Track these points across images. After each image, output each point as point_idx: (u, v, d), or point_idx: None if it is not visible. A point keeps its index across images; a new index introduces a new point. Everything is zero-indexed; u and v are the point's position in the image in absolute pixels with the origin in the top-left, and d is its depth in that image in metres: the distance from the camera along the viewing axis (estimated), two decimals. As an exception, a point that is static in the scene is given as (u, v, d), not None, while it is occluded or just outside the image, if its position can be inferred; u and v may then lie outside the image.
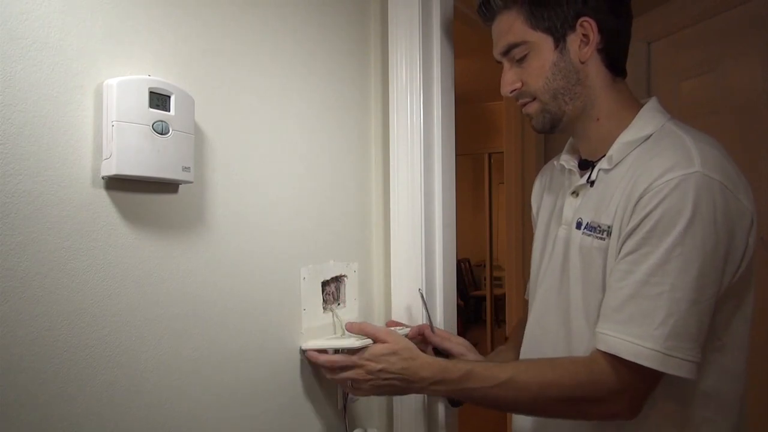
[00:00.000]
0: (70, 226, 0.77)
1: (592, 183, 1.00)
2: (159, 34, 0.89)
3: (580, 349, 0.97)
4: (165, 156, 0.84)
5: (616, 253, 0.91)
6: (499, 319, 5.69)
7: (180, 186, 0.91)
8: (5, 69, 0.70)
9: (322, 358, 1.06)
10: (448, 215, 1.36)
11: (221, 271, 0.98)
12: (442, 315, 1.33)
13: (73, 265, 0.77)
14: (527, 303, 1.19)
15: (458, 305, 1.50)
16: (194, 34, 0.94)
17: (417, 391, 1.03)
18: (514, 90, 1.03)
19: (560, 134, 1.08)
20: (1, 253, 0.69)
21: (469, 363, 1.00)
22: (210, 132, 0.97)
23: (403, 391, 1.03)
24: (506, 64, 1.04)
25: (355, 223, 1.31)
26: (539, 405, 0.94)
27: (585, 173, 1.04)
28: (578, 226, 1.00)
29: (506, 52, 1.02)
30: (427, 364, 0.99)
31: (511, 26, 1.00)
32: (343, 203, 1.28)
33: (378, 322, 1.37)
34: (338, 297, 1.25)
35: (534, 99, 1.02)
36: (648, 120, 0.98)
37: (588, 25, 0.97)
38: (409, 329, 1.24)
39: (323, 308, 1.20)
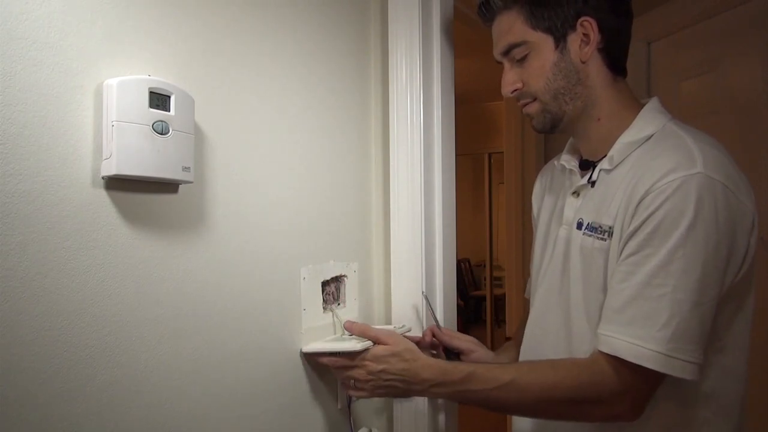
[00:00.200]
0: (70, 226, 0.77)
1: (593, 183, 1.00)
2: (159, 34, 0.89)
3: (581, 349, 0.97)
4: (165, 156, 0.84)
5: (617, 254, 0.91)
6: (499, 319, 5.69)
7: (180, 186, 0.91)
8: (5, 69, 0.70)
9: (325, 358, 1.06)
10: (448, 215, 1.36)
11: (221, 271, 0.98)
12: (442, 315, 1.33)
13: (73, 265, 0.77)
14: (528, 302, 1.19)
15: (458, 305, 1.50)
16: (194, 34, 0.94)
17: (418, 394, 1.02)
18: (515, 90, 1.03)
19: (561, 134, 1.08)
20: (1, 253, 0.69)
21: (471, 365, 1.00)
22: (210, 132, 0.97)
23: (404, 393, 1.02)
24: (506, 65, 1.04)
25: (355, 223, 1.31)
26: (541, 407, 0.94)
27: (586, 173, 1.04)
28: (579, 226, 1.00)
29: (506, 53, 1.02)
30: (428, 365, 0.98)
31: (511, 26, 1.00)
32: (343, 203, 1.28)
33: (378, 322, 1.37)
34: (338, 297, 1.25)
35: (534, 99, 1.02)
36: (649, 120, 0.97)
37: (588, 25, 0.97)
38: (408, 329, 1.24)
39: (323, 308, 1.20)
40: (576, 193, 1.04)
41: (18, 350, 0.71)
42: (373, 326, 1.11)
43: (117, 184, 0.82)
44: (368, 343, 1.04)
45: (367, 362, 1.00)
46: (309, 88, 1.18)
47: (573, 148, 1.11)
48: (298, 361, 1.13)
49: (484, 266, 6.24)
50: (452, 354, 1.24)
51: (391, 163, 1.31)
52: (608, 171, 0.98)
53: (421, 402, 1.28)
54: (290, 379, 1.12)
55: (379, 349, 1.01)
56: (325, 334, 1.19)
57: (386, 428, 1.35)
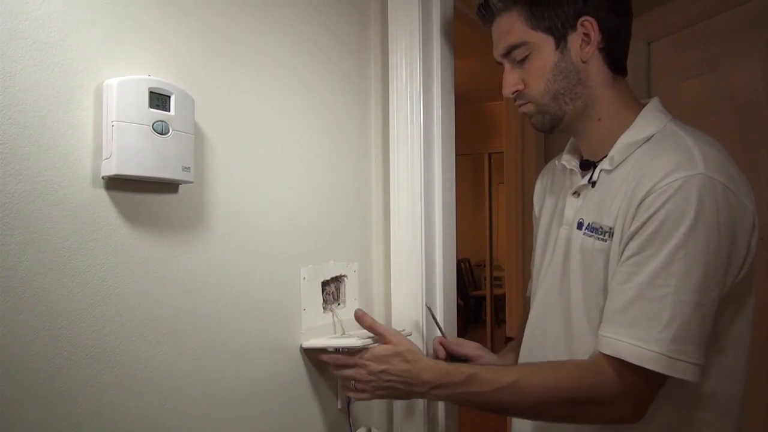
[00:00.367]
0: (70, 226, 0.77)
1: (593, 183, 1.00)
2: (159, 34, 0.89)
3: (581, 349, 0.97)
4: (165, 156, 0.84)
5: (618, 255, 0.91)
6: (499, 319, 5.69)
7: (180, 186, 0.91)
8: (5, 69, 0.70)
9: (326, 356, 1.05)
10: (448, 215, 1.36)
11: (221, 271, 0.98)
12: (442, 315, 1.33)
13: (73, 265, 0.77)
14: (529, 301, 1.19)
15: (458, 305, 1.50)
16: (194, 34, 0.94)
17: (419, 396, 1.02)
18: (516, 91, 1.03)
19: (561, 134, 1.08)
20: (1, 253, 0.69)
21: (472, 367, 0.99)
22: (210, 132, 0.97)
23: (405, 395, 1.02)
24: (507, 66, 1.03)
25: (355, 223, 1.31)
26: (542, 408, 0.93)
27: (586, 173, 1.03)
28: (579, 226, 0.99)
29: (507, 54, 1.02)
30: (429, 367, 0.98)
31: (511, 27, 1.00)
32: (343, 203, 1.28)
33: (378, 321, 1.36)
34: (338, 297, 1.25)
35: (530, 102, 1.02)
36: (650, 120, 0.97)
37: (589, 25, 0.96)
38: (409, 334, 1.24)
39: (323, 308, 1.20)
40: (576, 193, 1.04)
41: (18, 350, 0.71)
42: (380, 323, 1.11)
43: (117, 184, 0.82)
44: (368, 341, 1.03)
45: (368, 362, 1.00)
46: (309, 88, 1.18)
47: (573, 148, 1.11)
48: (299, 361, 1.13)
49: (484, 266, 6.24)
50: (459, 361, 1.23)
51: (391, 163, 1.31)
52: (609, 171, 0.98)
53: (421, 401, 1.28)
54: (290, 379, 1.12)
55: (381, 349, 1.00)
56: (325, 334, 1.19)
57: (386, 428, 1.35)
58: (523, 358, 1.12)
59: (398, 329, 1.24)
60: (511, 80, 1.03)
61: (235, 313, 1.00)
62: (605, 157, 0.99)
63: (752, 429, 1.01)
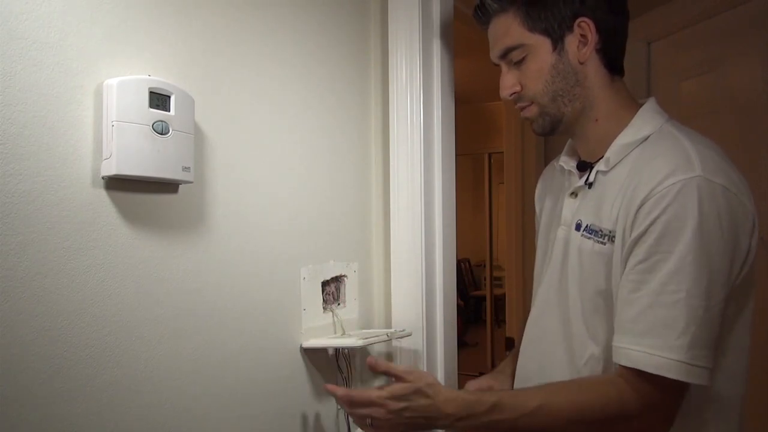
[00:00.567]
0: (70, 226, 0.77)
1: (589, 185, 1.00)
2: (159, 34, 0.89)
3: (579, 349, 0.97)
4: (165, 156, 0.84)
5: (621, 260, 0.90)
6: (499, 319, 5.68)
7: (180, 186, 0.91)
8: (5, 69, 0.70)
9: (340, 392, 1.01)
10: (448, 215, 1.36)
11: (221, 271, 0.98)
12: (442, 315, 1.33)
13: (73, 265, 0.77)
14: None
15: (458, 305, 1.50)
16: (194, 34, 0.94)
17: (442, 428, 0.99)
18: (514, 93, 1.02)
19: (560, 136, 1.08)
20: (1, 253, 0.69)
21: (494, 394, 0.97)
22: (210, 132, 0.97)
23: (427, 427, 0.99)
24: (504, 67, 1.03)
25: (355, 223, 1.31)
26: (571, 430, 0.91)
27: (584, 174, 1.03)
28: (577, 227, 0.99)
29: (504, 55, 1.01)
30: (451, 399, 0.95)
31: (507, 29, 0.99)
32: (343, 203, 1.28)
33: (378, 321, 1.37)
34: (338, 297, 1.25)
35: (532, 102, 1.01)
36: (646, 120, 0.97)
37: (586, 26, 0.96)
38: (409, 334, 1.24)
39: (323, 308, 1.20)
40: (574, 194, 1.04)
41: (18, 350, 0.71)
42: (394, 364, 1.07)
43: (117, 184, 0.82)
44: (369, 340, 1.03)
45: (386, 401, 0.96)
46: (309, 87, 1.18)
47: (572, 149, 1.11)
48: (299, 361, 1.13)
49: (484, 266, 6.24)
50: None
51: (391, 163, 1.31)
52: (605, 172, 0.98)
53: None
54: (290, 379, 1.12)
55: (399, 387, 0.97)
56: (325, 334, 1.19)
57: (386, 428, 1.35)
58: (522, 357, 1.12)
59: (398, 329, 1.24)
60: (508, 82, 1.02)
61: (235, 313, 1.00)
62: (602, 158, 0.99)
63: (752, 429, 1.00)
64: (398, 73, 1.29)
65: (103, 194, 0.81)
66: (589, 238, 0.96)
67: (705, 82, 1.88)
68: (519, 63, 1.00)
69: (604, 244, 0.94)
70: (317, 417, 1.18)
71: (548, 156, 2.57)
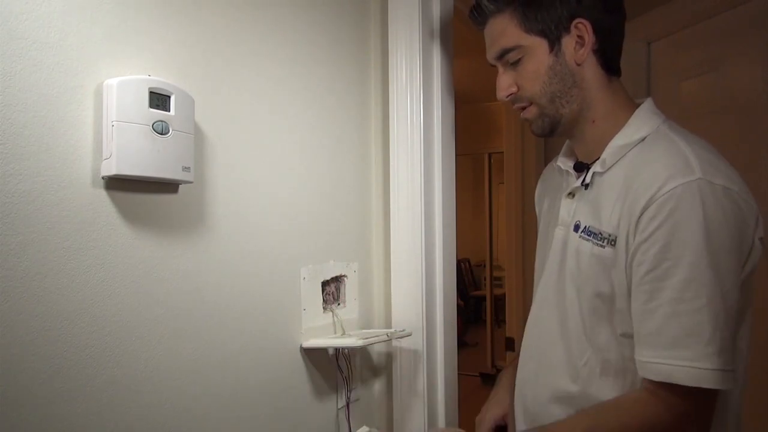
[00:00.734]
0: (70, 226, 0.77)
1: (586, 186, 1.00)
2: (159, 35, 0.89)
3: (577, 349, 0.97)
4: (165, 156, 0.84)
5: (627, 265, 0.89)
6: (499, 319, 5.68)
7: (180, 186, 0.91)
8: (5, 69, 0.70)
9: None
10: (448, 215, 1.36)
11: (221, 271, 0.98)
12: (442, 315, 1.33)
13: (73, 265, 0.77)
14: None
15: (458, 305, 1.50)
16: (194, 34, 0.94)
17: None
18: (510, 94, 1.02)
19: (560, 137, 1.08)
20: (1, 253, 0.69)
21: (541, 429, 0.96)
22: (210, 132, 0.97)
23: None
24: (501, 68, 1.03)
25: (355, 223, 1.31)
26: None
27: (581, 175, 1.03)
28: (576, 228, 0.99)
29: (500, 57, 1.01)
30: None
31: (503, 30, 0.99)
32: (343, 203, 1.28)
33: (378, 321, 1.37)
34: (338, 297, 1.25)
35: (531, 104, 1.01)
36: (643, 121, 0.97)
37: (583, 27, 0.95)
38: (409, 334, 1.24)
39: (323, 308, 1.20)
40: (571, 194, 1.04)
41: (18, 350, 0.71)
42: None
43: (117, 184, 0.82)
44: (369, 340, 1.03)
45: None
46: (309, 88, 1.18)
47: (569, 150, 1.11)
48: (299, 361, 1.13)
49: (484, 266, 6.24)
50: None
51: (391, 163, 1.31)
52: (601, 174, 0.98)
53: (420, 400, 1.28)
54: (290, 379, 1.12)
55: None
56: (325, 334, 1.19)
57: (386, 427, 1.35)
58: (522, 356, 1.12)
59: (398, 329, 1.24)
60: (505, 83, 1.02)
61: (235, 313, 1.00)
62: (598, 159, 0.98)
63: (752, 429, 1.00)
64: (398, 73, 1.29)
65: (103, 194, 0.81)
66: (587, 240, 0.96)
67: (705, 82, 1.88)
68: (515, 64, 1.00)
69: (604, 247, 0.93)
70: (318, 416, 1.18)
71: (548, 156, 2.57)
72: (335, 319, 1.22)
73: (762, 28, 1.68)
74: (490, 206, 6.05)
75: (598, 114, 1.00)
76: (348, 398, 1.22)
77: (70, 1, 0.77)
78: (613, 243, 0.92)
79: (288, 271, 1.12)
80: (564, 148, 1.12)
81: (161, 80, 0.85)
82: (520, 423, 1.11)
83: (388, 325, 1.34)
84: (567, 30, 0.96)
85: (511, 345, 2.84)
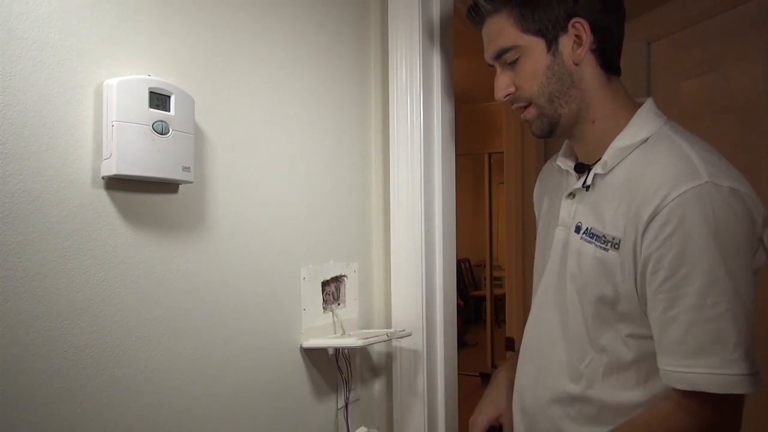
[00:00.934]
0: (70, 226, 0.77)
1: (587, 188, 0.99)
2: (159, 35, 0.89)
3: (579, 352, 0.97)
4: (165, 156, 0.84)
5: (635, 271, 0.89)
6: (499, 319, 5.68)
7: (180, 186, 0.91)
8: (5, 69, 0.70)
9: None
10: (448, 215, 1.36)
11: (221, 271, 0.98)
12: (442, 315, 1.33)
13: (73, 265, 0.77)
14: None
15: (458, 305, 1.50)
16: (194, 34, 0.94)
17: None
18: (508, 95, 1.01)
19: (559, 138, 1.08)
20: (1, 253, 0.69)
21: None
22: (210, 132, 0.97)
23: None
24: (498, 68, 1.02)
25: (355, 223, 1.31)
26: None
27: (581, 176, 1.03)
28: (577, 230, 0.99)
29: (498, 57, 1.01)
30: None
31: (500, 30, 0.98)
32: (343, 203, 1.28)
33: (378, 321, 1.37)
34: (338, 297, 1.25)
35: (530, 104, 1.00)
36: (645, 122, 0.96)
37: (580, 26, 0.95)
38: (409, 334, 1.24)
39: (323, 308, 1.20)
40: (572, 195, 1.03)
41: (18, 350, 0.71)
42: None
43: (117, 184, 0.82)
44: (369, 340, 1.03)
45: None
46: (309, 88, 1.18)
47: (569, 149, 1.10)
48: (299, 361, 1.13)
49: (484, 266, 6.24)
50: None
51: (391, 163, 1.31)
52: (602, 176, 0.97)
53: (420, 399, 1.28)
54: (290, 379, 1.12)
55: None
56: (325, 334, 1.19)
57: (386, 428, 1.35)
58: (522, 357, 1.12)
59: (398, 329, 1.24)
60: (502, 83, 1.01)
61: (235, 313, 1.00)
62: (599, 160, 0.98)
63: (752, 429, 1.00)
64: (398, 73, 1.29)
65: (103, 194, 0.81)
66: (590, 242, 0.95)
67: (705, 82, 1.88)
68: (513, 64, 0.99)
69: (607, 250, 0.92)
70: (317, 416, 1.18)
71: (548, 156, 2.56)
72: (335, 319, 1.22)
73: (762, 28, 1.68)
74: (490, 206, 6.05)
75: (598, 114, 0.99)
76: (348, 398, 1.22)
77: (70, 1, 0.77)
78: (616, 246, 0.91)
79: (288, 271, 1.12)
80: (563, 148, 1.11)
81: (161, 80, 0.85)
82: (518, 424, 1.10)
83: (388, 325, 1.34)
84: (564, 29, 0.95)
85: (511, 345, 2.84)
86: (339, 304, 1.24)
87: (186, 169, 0.87)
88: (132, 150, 0.80)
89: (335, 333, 1.21)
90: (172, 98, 0.85)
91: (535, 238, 1.20)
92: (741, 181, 0.87)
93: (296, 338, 1.13)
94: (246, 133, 1.04)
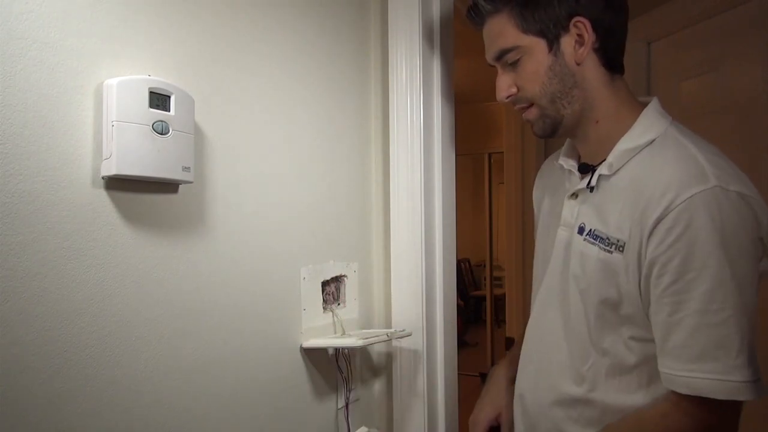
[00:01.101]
0: (70, 227, 0.77)
1: (591, 188, 0.98)
2: (159, 35, 0.89)
3: (581, 353, 0.96)
4: (165, 156, 0.84)
5: (639, 275, 0.89)
6: (499, 319, 5.68)
7: (180, 186, 0.91)
8: (5, 69, 0.70)
9: None
10: (448, 215, 1.36)
11: (221, 271, 0.98)
12: (442, 315, 1.33)
13: (73, 265, 0.77)
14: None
15: (458, 305, 1.50)
16: (194, 34, 0.94)
17: None
18: (510, 96, 1.00)
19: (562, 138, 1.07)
20: (2, 253, 0.69)
21: None
22: (210, 132, 0.97)
23: None
24: (500, 69, 1.01)
25: (355, 223, 1.31)
26: None
27: (585, 177, 1.02)
28: (580, 231, 0.98)
29: (499, 57, 1.00)
30: None
31: (501, 30, 0.97)
32: (344, 203, 1.28)
33: (378, 321, 1.37)
34: (338, 297, 1.25)
35: (532, 104, 0.99)
36: (651, 122, 0.95)
37: (582, 25, 0.93)
38: (409, 334, 1.24)
39: (323, 308, 1.20)
40: (575, 195, 1.02)
41: (18, 350, 0.71)
42: None
43: (117, 184, 0.82)
44: (369, 340, 1.03)
45: None
46: (308, 88, 1.18)
47: (571, 148, 1.09)
48: (299, 361, 1.13)
49: (484, 266, 6.24)
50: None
51: (391, 163, 1.31)
52: (607, 177, 0.96)
53: (420, 399, 1.28)
54: (290, 379, 1.12)
55: None
56: (325, 334, 1.19)
57: (386, 428, 1.35)
58: (524, 358, 1.11)
59: (398, 329, 1.24)
60: (504, 84, 1.00)
61: (234, 313, 1.00)
62: (603, 161, 0.97)
63: (752, 429, 1.00)
64: (398, 73, 1.29)
65: (103, 194, 0.81)
66: (593, 243, 0.94)
67: (705, 82, 1.88)
68: (514, 65, 0.98)
69: (611, 252, 0.92)
70: (317, 415, 1.18)
71: (548, 156, 2.57)
72: (335, 319, 1.22)
73: (762, 28, 1.68)
74: (490, 206, 6.05)
75: (602, 114, 0.98)
76: (348, 398, 1.22)
77: (70, 1, 0.77)
78: (621, 249, 0.90)
79: (288, 271, 1.12)
80: (566, 146, 1.10)
81: (161, 80, 0.85)
82: (518, 425, 1.10)
83: (388, 325, 1.34)
84: (566, 29, 0.94)
85: (511, 345, 2.84)
86: (339, 304, 1.24)
87: (186, 169, 0.87)
88: (132, 150, 0.80)
89: (335, 333, 1.21)
90: (172, 98, 0.85)
91: (535, 238, 1.20)
92: (748, 185, 0.87)
93: (296, 338, 1.13)
94: (246, 133, 1.04)
